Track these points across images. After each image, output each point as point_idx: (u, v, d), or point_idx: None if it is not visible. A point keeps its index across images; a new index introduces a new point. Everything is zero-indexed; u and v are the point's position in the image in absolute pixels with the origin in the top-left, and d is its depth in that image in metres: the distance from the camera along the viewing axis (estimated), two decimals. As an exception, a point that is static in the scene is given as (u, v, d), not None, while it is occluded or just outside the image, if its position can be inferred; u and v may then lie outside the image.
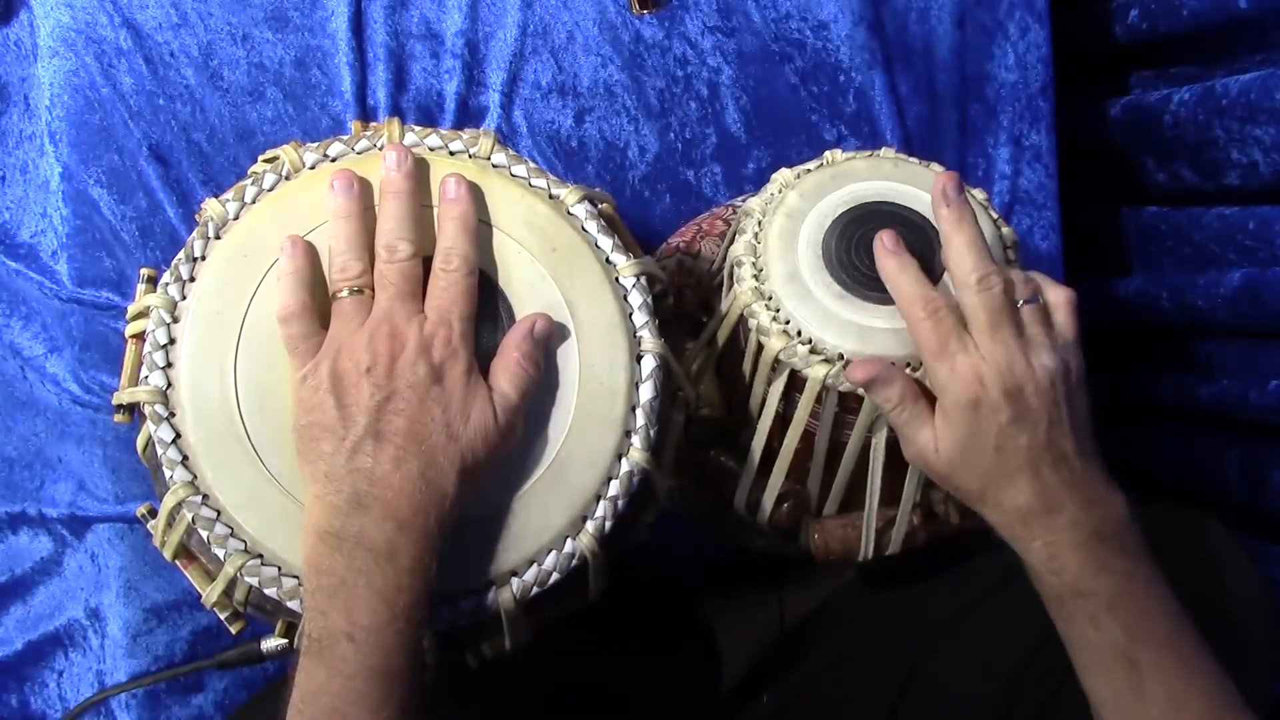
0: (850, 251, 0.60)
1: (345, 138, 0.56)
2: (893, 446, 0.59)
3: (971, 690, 0.63)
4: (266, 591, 0.50)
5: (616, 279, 0.56)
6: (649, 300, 0.56)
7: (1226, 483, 0.89)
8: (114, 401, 0.52)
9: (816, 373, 0.57)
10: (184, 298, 0.52)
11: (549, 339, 0.53)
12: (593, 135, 0.85)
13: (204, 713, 0.78)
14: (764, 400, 0.62)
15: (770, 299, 0.59)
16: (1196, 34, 0.87)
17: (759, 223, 0.62)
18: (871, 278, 0.59)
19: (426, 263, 0.52)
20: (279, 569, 0.50)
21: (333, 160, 0.55)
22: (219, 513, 0.50)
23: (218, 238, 0.53)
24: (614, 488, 0.53)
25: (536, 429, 0.53)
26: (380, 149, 0.54)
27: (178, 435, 0.50)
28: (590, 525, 0.52)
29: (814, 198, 0.62)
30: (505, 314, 0.54)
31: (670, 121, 0.86)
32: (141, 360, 0.51)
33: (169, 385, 0.51)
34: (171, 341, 0.51)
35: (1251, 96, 0.79)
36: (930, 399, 0.55)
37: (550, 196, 0.56)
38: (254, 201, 0.54)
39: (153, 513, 0.54)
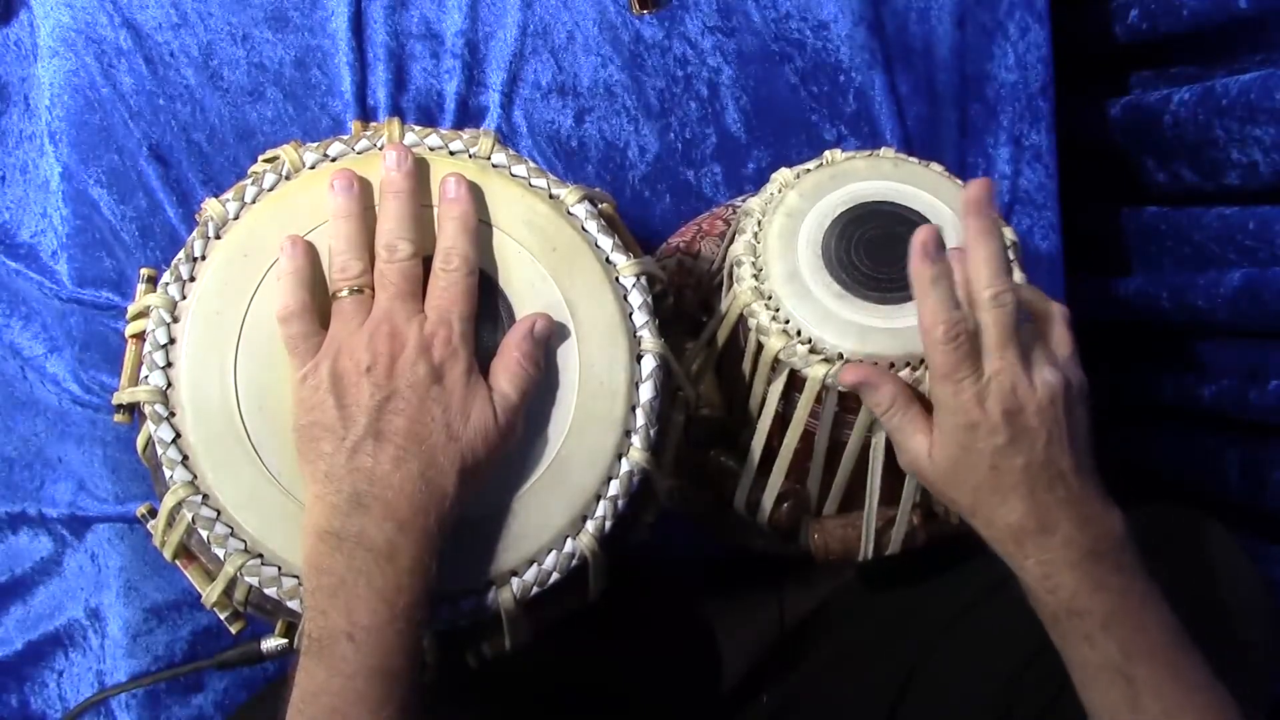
0: (850, 251, 0.60)
1: (345, 138, 0.56)
2: (892, 447, 0.59)
3: (971, 690, 0.63)
4: (266, 591, 0.50)
5: (616, 279, 0.56)
6: (649, 300, 0.56)
7: (1226, 483, 0.89)
8: (114, 401, 0.52)
9: (816, 372, 0.57)
10: (184, 297, 0.52)
11: (549, 339, 0.53)
12: (593, 135, 0.84)
13: (204, 713, 0.78)
14: (764, 400, 0.62)
15: (770, 299, 0.59)
16: (1196, 34, 0.87)
17: (759, 222, 0.62)
18: (871, 277, 0.59)
19: (426, 262, 0.52)
20: (279, 569, 0.50)
21: (333, 160, 0.55)
22: (219, 512, 0.50)
23: (218, 237, 0.53)
24: (614, 487, 0.53)
25: (536, 429, 0.53)
26: (380, 149, 0.54)
27: (178, 435, 0.50)
28: (590, 525, 0.52)
29: (814, 197, 0.62)
30: (505, 314, 0.54)
31: (670, 121, 0.86)
32: (141, 360, 0.51)
33: (169, 385, 0.51)
34: (171, 341, 0.51)
35: (1251, 96, 0.79)
36: (925, 403, 0.55)
37: (550, 196, 0.56)
38: (254, 201, 0.54)
39: (153, 513, 0.54)
